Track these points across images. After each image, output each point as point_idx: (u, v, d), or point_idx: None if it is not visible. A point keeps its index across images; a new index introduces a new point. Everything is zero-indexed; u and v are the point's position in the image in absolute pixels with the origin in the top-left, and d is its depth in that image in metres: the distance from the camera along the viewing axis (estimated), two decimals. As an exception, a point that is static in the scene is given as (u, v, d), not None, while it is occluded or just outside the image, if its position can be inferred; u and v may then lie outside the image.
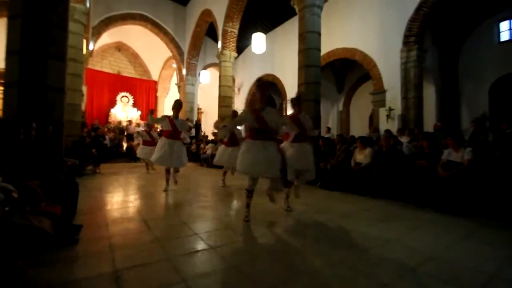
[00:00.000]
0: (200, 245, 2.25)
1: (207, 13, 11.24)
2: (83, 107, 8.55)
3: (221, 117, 10.03)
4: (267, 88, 2.87)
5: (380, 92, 7.99)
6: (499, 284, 1.69)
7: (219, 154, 5.03)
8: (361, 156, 4.70)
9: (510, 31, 8.07)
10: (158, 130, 10.20)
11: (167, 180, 4.45)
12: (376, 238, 2.46)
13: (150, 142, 6.96)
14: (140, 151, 7.09)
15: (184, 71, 13.11)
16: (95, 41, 10.71)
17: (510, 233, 2.71)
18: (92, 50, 10.62)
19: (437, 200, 3.52)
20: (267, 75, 12.45)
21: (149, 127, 7.32)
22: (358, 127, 11.61)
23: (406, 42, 7.29)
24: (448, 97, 8.91)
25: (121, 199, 4.01)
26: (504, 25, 8.21)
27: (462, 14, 8.19)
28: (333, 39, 9.02)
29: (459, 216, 3.18)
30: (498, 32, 8.30)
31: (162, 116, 4.46)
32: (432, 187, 3.61)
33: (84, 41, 7.76)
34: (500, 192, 3.09)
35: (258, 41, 8.83)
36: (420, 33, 7.20)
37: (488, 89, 8.41)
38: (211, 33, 11.89)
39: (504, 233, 2.70)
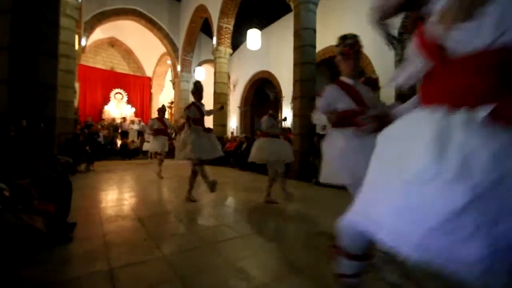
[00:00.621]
0: (195, 242, 2.25)
1: (202, 9, 11.13)
2: (76, 104, 8.43)
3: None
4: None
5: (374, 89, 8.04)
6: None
7: (260, 148, 3.73)
8: (356, 153, 4.74)
9: (502, 29, 8.18)
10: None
11: (208, 181, 3.67)
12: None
13: (163, 130, 6.09)
14: (153, 143, 6.05)
15: (178, 68, 12.99)
16: (87, 37, 10.51)
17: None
18: (85, 46, 10.43)
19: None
20: (263, 71, 12.42)
21: (162, 114, 6.33)
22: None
23: (400, 39, 7.33)
24: (441, 94, 9.00)
25: (115, 197, 3.98)
26: (496, 23, 8.32)
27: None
28: (328, 36, 8.97)
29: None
30: (491, 30, 8.40)
31: (189, 105, 3.76)
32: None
33: (76, 36, 7.61)
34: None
35: (253, 37, 8.78)
36: (414, 30, 7.24)
37: (480, 86, 8.53)
38: (206, 29, 11.78)
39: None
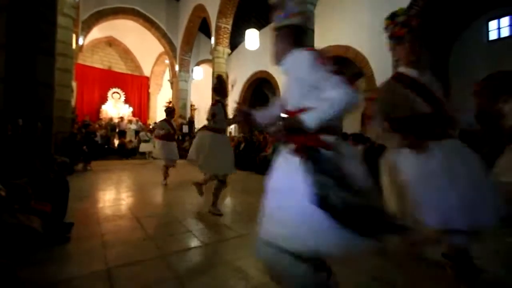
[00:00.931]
0: (194, 242, 2.25)
1: (200, 8, 11.10)
2: (73, 103, 8.37)
3: None
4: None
5: (372, 90, 8.07)
6: (484, 276, 1.74)
7: None
8: (354, 153, 4.76)
9: (499, 30, 8.24)
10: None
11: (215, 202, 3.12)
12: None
13: (171, 136, 5.32)
14: (163, 149, 5.09)
15: (177, 67, 12.95)
16: (85, 36, 10.45)
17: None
18: (82, 45, 10.37)
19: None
20: (261, 71, 12.42)
21: (171, 116, 5.48)
22: (351, 124, 11.72)
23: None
24: (438, 94, 9.07)
25: (113, 196, 3.97)
26: (492, 24, 8.37)
27: (453, 13, 8.31)
28: (326, 37, 9.03)
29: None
30: (487, 31, 8.45)
31: (215, 102, 3.14)
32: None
33: (74, 35, 7.57)
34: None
35: (252, 37, 8.78)
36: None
37: (477, 87, 8.60)
38: (204, 28, 11.76)
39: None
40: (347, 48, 8.72)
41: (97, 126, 11.17)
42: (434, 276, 1.65)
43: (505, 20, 8.18)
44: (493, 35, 8.45)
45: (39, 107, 3.11)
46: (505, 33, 8.19)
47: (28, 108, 2.98)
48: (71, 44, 6.92)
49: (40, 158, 2.82)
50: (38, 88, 3.10)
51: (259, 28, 10.35)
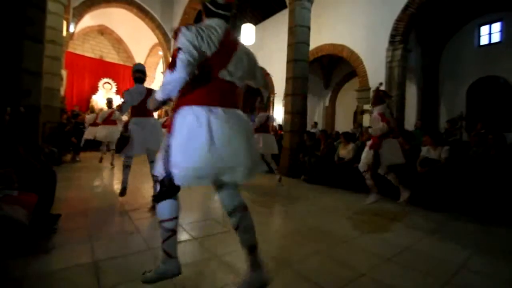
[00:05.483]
0: (183, 236, 2.25)
1: (195, 0, 10.92)
2: (62, 92, 8.15)
3: None
4: None
5: (365, 89, 8.14)
6: (466, 274, 1.81)
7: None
8: (344, 151, 4.82)
9: (490, 36, 8.41)
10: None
11: None
12: (353, 230, 2.55)
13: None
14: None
15: (170, 60, 12.75)
16: (76, 23, 10.14)
17: (478, 227, 2.88)
18: (73, 33, 10.07)
19: (413, 194, 3.67)
20: (256, 67, 12.36)
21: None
22: (343, 123, 11.83)
23: (392, 41, 7.43)
24: (428, 96, 9.23)
25: (101, 188, 3.91)
26: (484, 29, 8.54)
27: (446, 16, 8.43)
28: (322, 35, 9.04)
29: (433, 210, 3.36)
30: (478, 36, 8.62)
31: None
32: (409, 182, 3.76)
33: (64, 22, 7.34)
34: (471, 188, 3.28)
35: (247, 32, 8.71)
36: (405, 33, 7.36)
37: (466, 90, 8.79)
38: (200, 21, 11.59)
39: (473, 226, 2.88)
40: (342, 47, 8.75)
41: (87, 116, 10.92)
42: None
43: (496, 26, 8.35)
44: (484, 40, 8.61)
45: (25, 95, 3.01)
46: (496, 38, 8.36)
47: (14, 96, 2.89)
48: (61, 31, 6.71)
49: (26, 147, 2.74)
50: (24, 76, 3.00)
51: (255, 23, 10.27)
